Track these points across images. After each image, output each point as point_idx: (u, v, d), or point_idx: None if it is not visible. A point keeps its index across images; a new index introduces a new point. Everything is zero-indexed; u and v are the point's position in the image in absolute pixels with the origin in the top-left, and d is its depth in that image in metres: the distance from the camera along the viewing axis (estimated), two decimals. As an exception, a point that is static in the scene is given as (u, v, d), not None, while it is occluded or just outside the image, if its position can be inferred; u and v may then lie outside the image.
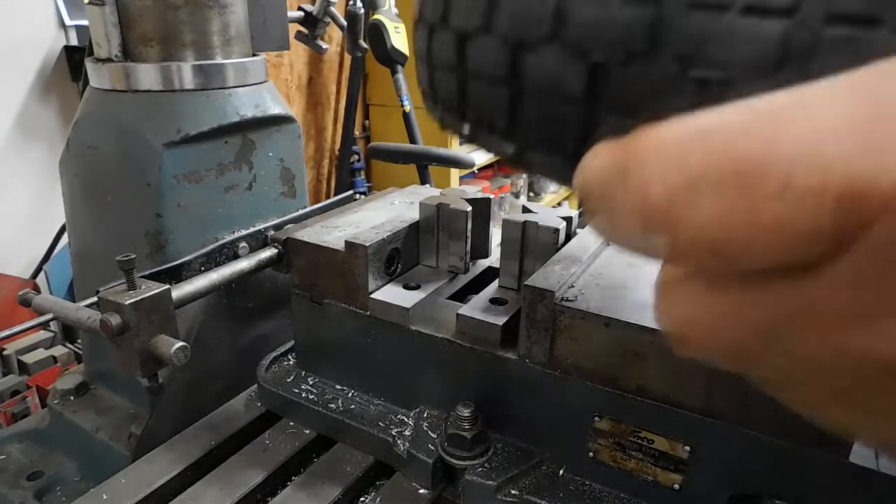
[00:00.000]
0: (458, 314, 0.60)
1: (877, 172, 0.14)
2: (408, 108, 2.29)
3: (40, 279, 2.11)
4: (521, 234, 0.63)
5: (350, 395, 0.68)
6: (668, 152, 0.16)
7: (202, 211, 0.72)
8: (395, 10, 2.17)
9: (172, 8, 0.68)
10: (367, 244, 0.60)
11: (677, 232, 0.16)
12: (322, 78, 2.85)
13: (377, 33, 2.10)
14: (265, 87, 0.78)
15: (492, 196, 0.70)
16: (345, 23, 1.91)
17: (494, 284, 0.66)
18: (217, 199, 0.73)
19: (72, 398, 0.79)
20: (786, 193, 0.15)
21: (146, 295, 0.55)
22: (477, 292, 0.65)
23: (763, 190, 0.15)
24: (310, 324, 0.69)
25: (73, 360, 1.46)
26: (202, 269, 0.70)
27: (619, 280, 0.56)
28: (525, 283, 0.54)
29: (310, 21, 1.59)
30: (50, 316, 0.61)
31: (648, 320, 0.50)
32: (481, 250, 0.71)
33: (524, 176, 3.48)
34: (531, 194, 3.68)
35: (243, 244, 0.74)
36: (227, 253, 0.73)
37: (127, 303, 0.53)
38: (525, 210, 0.68)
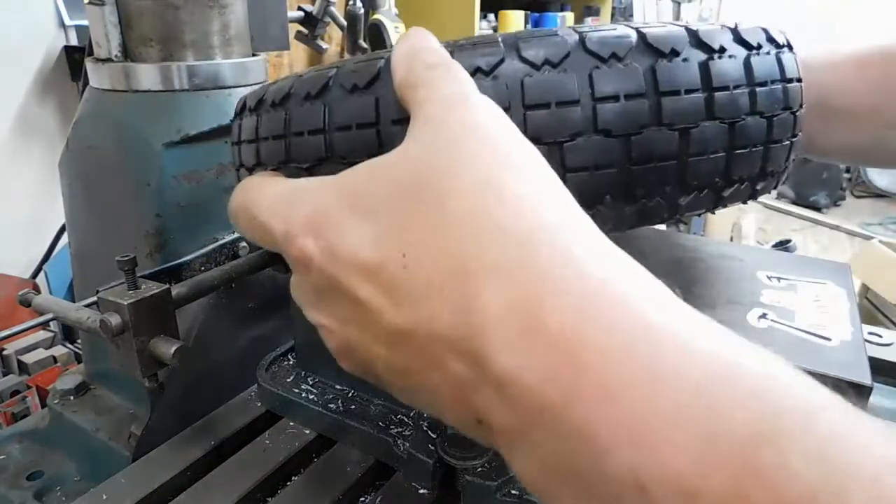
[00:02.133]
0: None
1: (287, 232, 0.32)
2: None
3: (40, 279, 2.11)
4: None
5: (350, 395, 0.68)
6: (236, 197, 0.38)
7: (202, 211, 0.72)
8: (394, 11, 2.17)
9: (172, 8, 0.68)
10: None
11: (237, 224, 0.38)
12: (322, 78, 2.84)
13: (377, 33, 2.10)
14: (265, 87, 0.78)
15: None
16: (345, 23, 1.91)
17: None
18: (217, 199, 0.73)
19: (72, 398, 0.79)
20: (255, 226, 0.35)
21: (146, 295, 0.55)
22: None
23: (244, 220, 0.37)
24: (310, 324, 0.69)
25: (73, 360, 1.46)
26: (202, 269, 0.70)
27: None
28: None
29: (310, 21, 1.59)
30: (50, 316, 0.61)
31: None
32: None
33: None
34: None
35: (243, 244, 0.74)
36: (227, 253, 0.73)
37: (127, 303, 0.53)
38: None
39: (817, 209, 5.10)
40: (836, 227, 4.74)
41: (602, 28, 0.37)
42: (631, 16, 4.64)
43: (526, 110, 0.36)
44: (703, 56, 0.38)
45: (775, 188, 0.48)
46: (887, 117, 0.64)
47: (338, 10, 1.68)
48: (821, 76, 0.48)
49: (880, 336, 0.68)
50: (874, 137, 0.66)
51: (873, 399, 0.43)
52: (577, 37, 0.36)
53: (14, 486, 0.72)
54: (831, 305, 0.54)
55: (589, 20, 3.98)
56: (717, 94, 0.38)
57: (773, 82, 0.42)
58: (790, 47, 0.45)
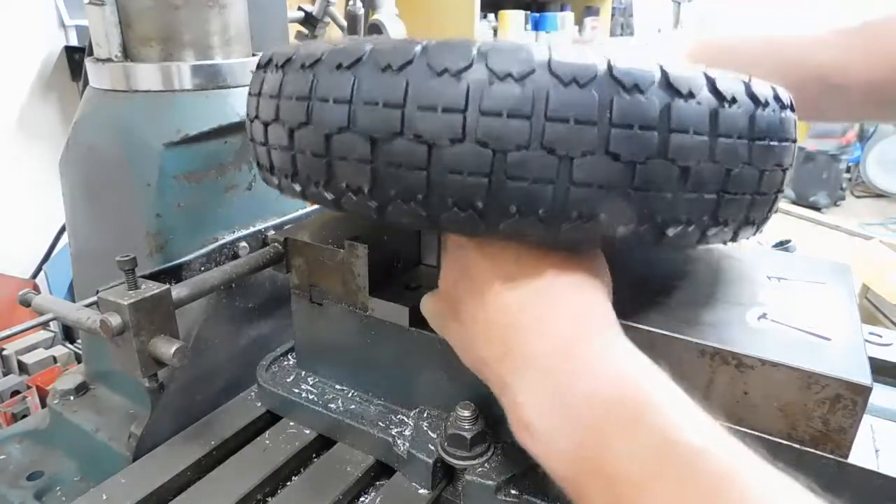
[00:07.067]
0: (458, 314, 0.60)
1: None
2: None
3: (40, 279, 2.11)
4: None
5: (350, 395, 0.68)
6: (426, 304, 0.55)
7: (202, 211, 0.72)
8: (395, 11, 2.17)
9: (172, 8, 0.68)
10: (367, 244, 0.60)
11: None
12: (322, 78, 2.84)
13: (377, 34, 2.10)
14: (265, 87, 0.77)
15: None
16: (345, 23, 1.90)
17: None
18: (217, 199, 0.73)
19: (72, 398, 0.79)
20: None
21: (146, 295, 0.55)
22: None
23: None
24: (310, 324, 0.69)
25: (73, 360, 1.46)
26: (202, 269, 0.70)
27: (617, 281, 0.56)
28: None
29: (310, 21, 1.59)
30: (50, 316, 0.61)
31: (649, 321, 0.50)
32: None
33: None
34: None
35: (243, 244, 0.74)
36: (227, 253, 0.73)
37: (127, 303, 0.53)
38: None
39: (817, 209, 5.10)
40: (836, 227, 4.74)
41: (632, 60, 0.38)
42: (631, 15, 4.63)
43: (546, 121, 0.37)
44: (715, 103, 0.39)
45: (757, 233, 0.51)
46: (888, 93, 0.66)
47: (338, 11, 1.67)
48: (818, 55, 0.51)
49: (880, 336, 0.68)
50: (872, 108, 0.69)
51: (873, 399, 0.43)
52: (605, 65, 0.37)
53: (14, 486, 0.72)
54: (831, 305, 0.54)
55: (588, 20, 3.98)
56: (721, 140, 0.40)
57: (772, 139, 0.43)
58: (792, 108, 0.46)
